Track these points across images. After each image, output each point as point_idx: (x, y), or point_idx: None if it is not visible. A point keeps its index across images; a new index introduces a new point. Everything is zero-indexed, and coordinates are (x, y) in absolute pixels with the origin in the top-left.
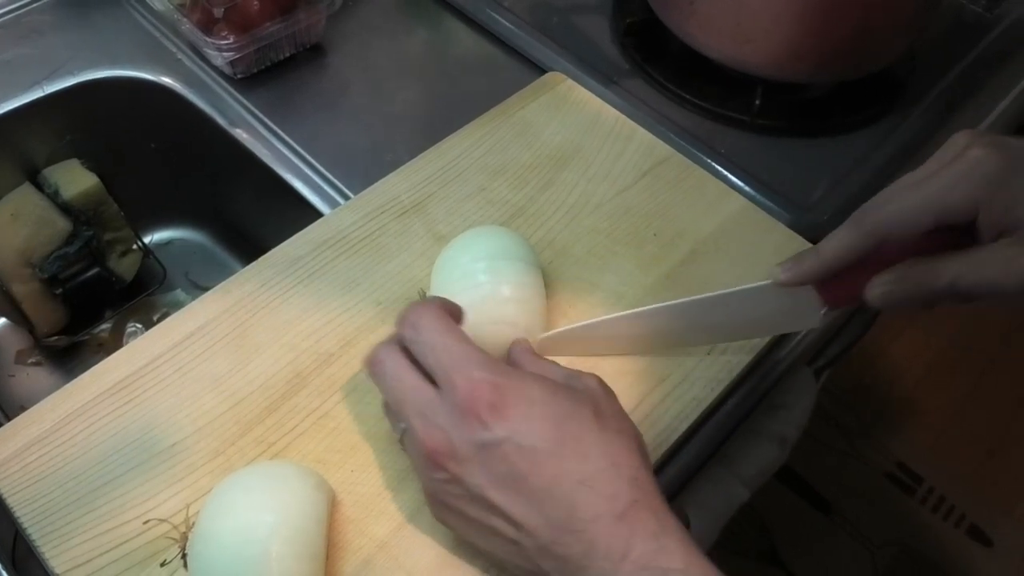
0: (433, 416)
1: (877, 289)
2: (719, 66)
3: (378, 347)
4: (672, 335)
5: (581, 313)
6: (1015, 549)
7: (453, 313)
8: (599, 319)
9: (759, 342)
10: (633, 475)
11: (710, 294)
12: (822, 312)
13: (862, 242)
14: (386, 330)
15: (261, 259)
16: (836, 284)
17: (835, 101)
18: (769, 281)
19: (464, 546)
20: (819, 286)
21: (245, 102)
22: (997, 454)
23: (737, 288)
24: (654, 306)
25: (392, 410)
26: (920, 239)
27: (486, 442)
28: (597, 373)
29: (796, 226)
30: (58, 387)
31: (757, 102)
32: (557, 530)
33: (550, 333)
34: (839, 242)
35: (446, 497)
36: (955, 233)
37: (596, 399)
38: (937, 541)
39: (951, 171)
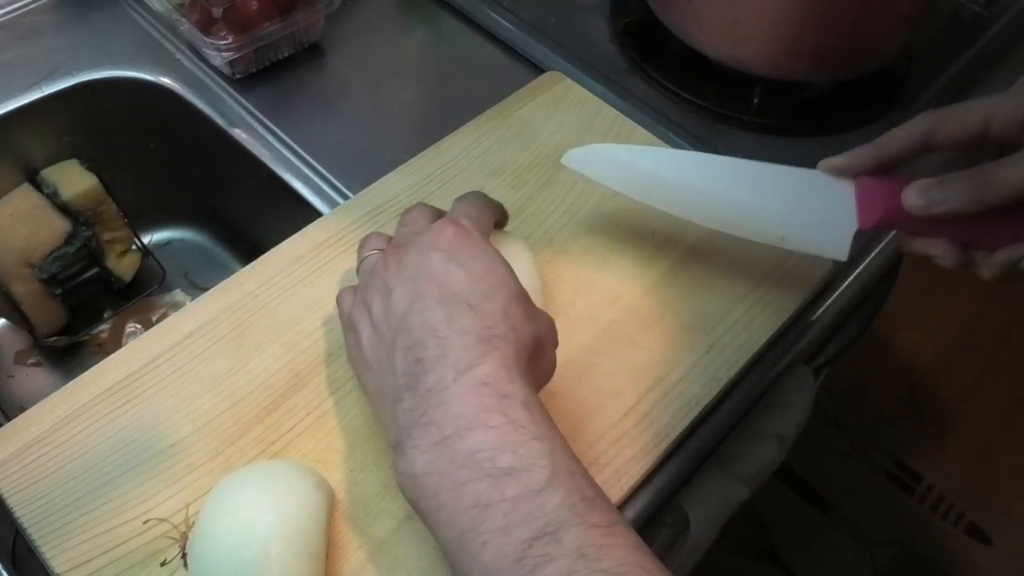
0: (404, 235)
1: (916, 188)
2: (718, 65)
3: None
4: (703, 196)
5: (580, 312)
6: (1014, 547)
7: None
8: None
9: (757, 339)
10: (515, 327)
11: (755, 162)
12: (855, 230)
13: (911, 129)
14: None
15: (260, 259)
16: (877, 196)
17: (833, 100)
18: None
19: None
20: (860, 196)
21: (244, 102)
22: (996, 453)
23: (783, 166)
24: (694, 153)
25: (364, 245)
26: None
27: (426, 248)
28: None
29: None
30: (57, 387)
31: (755, 101)
32: (426, 331)
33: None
34: (893, 131)
35: (368, 296)
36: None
37: (520, 294)
38: (936, 540)
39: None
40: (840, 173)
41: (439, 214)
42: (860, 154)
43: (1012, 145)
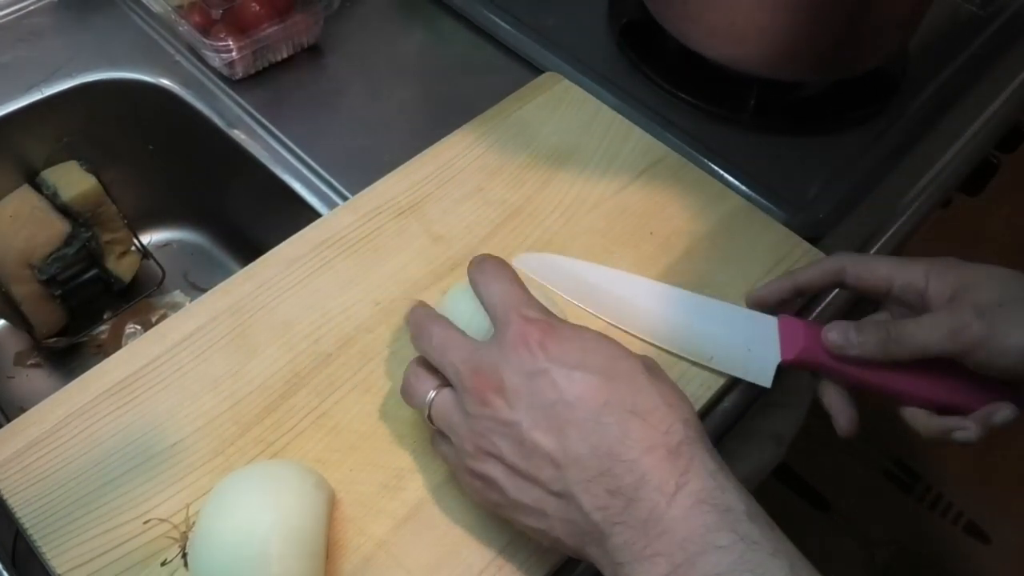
0: (480, 355)
1: (835, 327)
2: (715, 65)
3: (420, 314)
4: (642, 313)
5: (579, 312)
6: (1013, 545)
7: None
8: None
9: None
10: (686, 417)
11: (692, 293)
12: (778, 361)
13: (826, 265)
14: (384, 330)
15: (259, 260)
16: (798, 332)
17: (831, 99)
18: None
19: (463, 543)
20: (783, 331)
21: (243, 103)
22: (993, 451)
23: (712, 297)
24: (635, 276)
25: (415, 385)
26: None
27: (534, 370)
28: None
29: (792, 224)
30: (57, 389)
31: (753, 101)
32: (605, 458)
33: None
34: (809, 267)
35: (493, 440)
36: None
37: (646, 360)
38: (935, 538)
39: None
40: (764, 302)
41: (446, 319)
42: (779, 285)
43: (911, 306)
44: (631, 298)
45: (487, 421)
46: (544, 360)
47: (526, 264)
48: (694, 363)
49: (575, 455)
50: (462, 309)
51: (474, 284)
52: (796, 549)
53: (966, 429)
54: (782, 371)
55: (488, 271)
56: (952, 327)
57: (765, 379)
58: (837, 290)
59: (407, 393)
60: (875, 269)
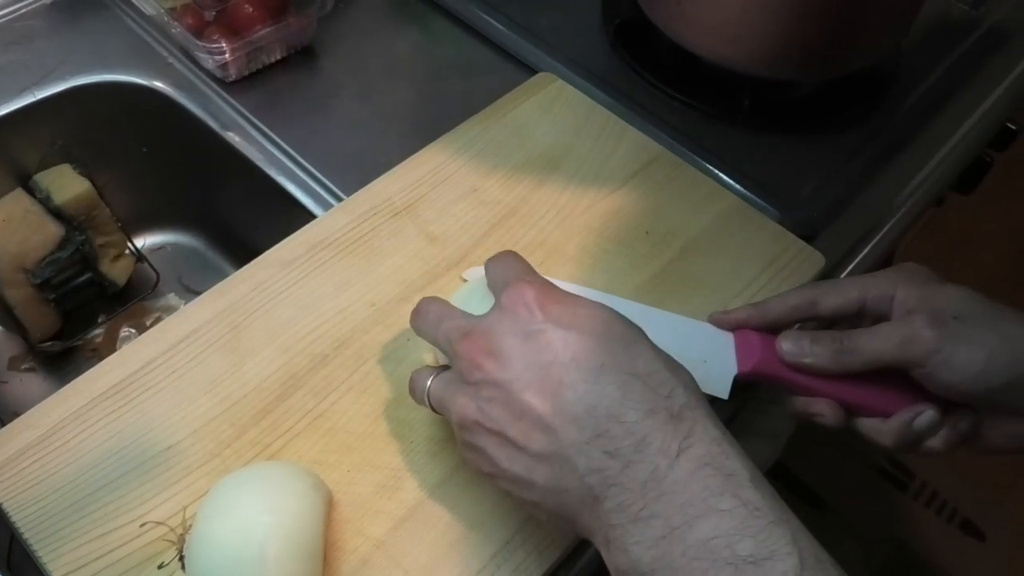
0: (473, 322)
1: (789, 336)
2: (709, 65)
3: (424, 298)
4: None
5: None
6: (1007, 542)
7: None
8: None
9: None
10: (687, 383)
11: (651, 307)
12: (735, 374)
13: (796, 298)
14: (380, 331)
15: (254, 262)
16: (754, 345)
17: (824, 98)
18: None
19: (461, 543)
20: (739, 344)
21: (237, 105)
22: None
23: (673, 313)
24: (589, 289)
25: (415, 380)
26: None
27: (529, 330)
28: None
29: (786, 223)
30: (52, 393)
31: (746, 100)
32: (604, 420)
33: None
34: (777, 297)
35: (483, 407)
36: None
37: (645, 333)
38: (931, 536)
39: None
40: (720, 324)
41: (447, 302)
42: (744, 312)
43: (885, 318)
44: None
45: (479, 387)
46: (541, 320)
47: (472, 276)
48: None
49: (571, 416)
50: (472, 307)
51: (486, 269)
52: (799, 522)
53: (884, 433)
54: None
55: (499, 256)
56: (904, 336)
57: (722, 391)
58: None
59: (412, 392)
60: (845, 291)
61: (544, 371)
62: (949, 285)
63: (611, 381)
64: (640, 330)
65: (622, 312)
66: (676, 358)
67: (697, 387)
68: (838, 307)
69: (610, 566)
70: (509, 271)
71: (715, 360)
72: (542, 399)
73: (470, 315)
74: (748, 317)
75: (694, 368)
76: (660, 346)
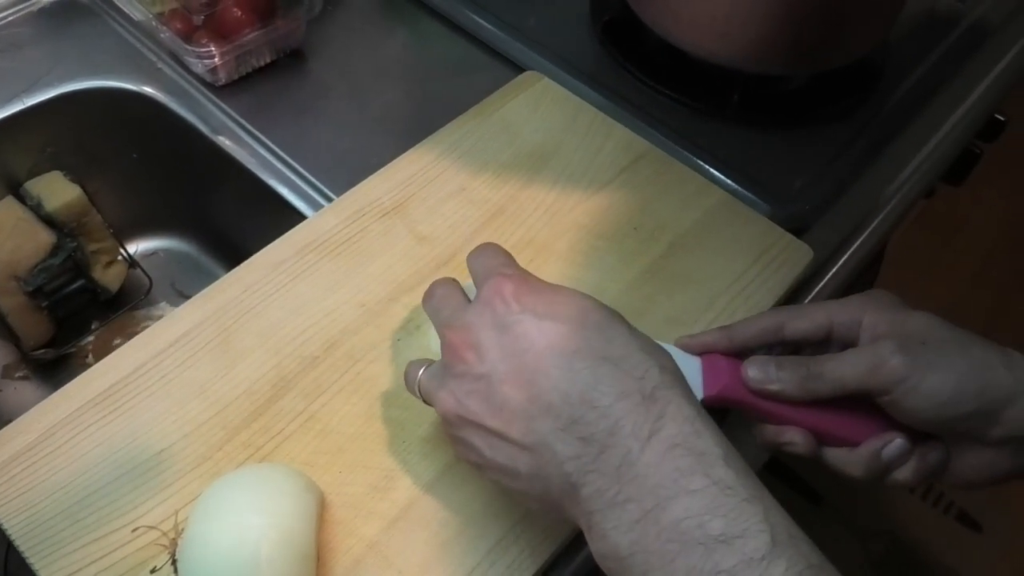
0: (460, 314)
1: (754, 362)
2: (697, 60)
3: (437, 280)
4: None
5: None
6: (1004, 534)
7: None
8: None
9: None
10: (663, 363)
11: None
12: (700, 398)
13: (764, 322)
14: (370, 331)
15: (244, 264)
16: (721, 369)
17: (813, 92)
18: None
19: (454, 542)
20: (705, 369)
21: (227, 109)
22: None
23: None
24: None
25: (409, 372)
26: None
27: (505, 322)
28: None
29: (776, 217)
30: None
31: (735, 95)
32: (578, 405)
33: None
34: (744, 321)
35: (463, 400)
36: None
37: (623, 317)
38: (927, 529)
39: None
40: (689, 349)
41: (455, 284)
42: (711, 336)
43: (853, 344)
44: None
45: (460, 380)
46: (517, 311)
47: None
48: None
49: (547, 403)
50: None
51: (468, 264)
52: (773, 499)
53: (851, 463)
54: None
55: (480, 249)
56: (871, 362)
57: None
58: None
59: (406, 383)
60: (812, 315)
61: (520, 361)
62: (918, 312)
63: (584, 367)
64: (618, 315)
65: None
66: None
67: (674, 367)
68: (805, 332)
69: (594, 552)
70: (488, 264)
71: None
72: (519, 389)
73: (463, 302)
74: (715, 341)
75: None
76: None
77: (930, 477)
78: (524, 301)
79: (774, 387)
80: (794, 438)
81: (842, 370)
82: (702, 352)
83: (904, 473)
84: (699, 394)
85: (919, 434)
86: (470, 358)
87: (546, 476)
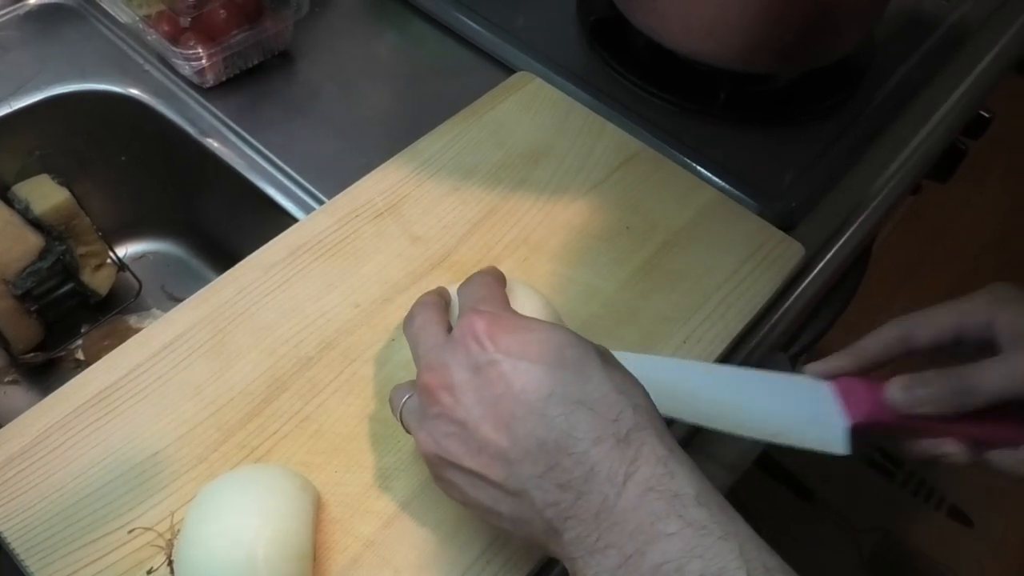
0: (436, 352)
1: (897, 384)
2: (684, 60)
3: (419, 300)
4: (693, 398)
5: (559, 308)
6: (995, 528)
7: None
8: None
9: (733, 328)
10: (637, 403)
11: (734, 367)
12: (846, 426)
13: (889, 334)
14: (365, 331)
15: (237, 266)
16: (859, 392)
17: (800, 90)
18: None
19: (450, 540)
20: (842, 393)
21: (215, 111)
22: None
23: (760, 371)
24: (684, 361)
25: (394, 397)
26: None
27: (479, 363)
28: None
29: (766, 214)
30: (36, 404)
31: (723, 94)
32: (554, 452)
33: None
34: (869, 336)
35: (441, 442)
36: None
37: (602, 349)
38: (920, 524)
39: (971, 294)
40: (820, 375)
41: (436, 309)
42: (839, 360)
43: (984, 343)
44: (674, 383)
45: (437, 421)
46: (492, 351)
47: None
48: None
49: (524, 450)
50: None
51: (458, 294)
52: (749, 530)
53: (1022, 462)
54: (766, 359)
55: (469, 279)
56: (1022, 370)
57: (839, 446)
58: None
59: (391, 407)
60: (939, 320)
61: (495, 405)
62: None
63: (558, 413)
64: (595, 351)
65: (718, 377)
66: (781, 418)
67: (650, 404)
68: (933, 339)
69: None
70: (468, 298)
71: (822, 414)
72: (498, 433)
73: (442, 335)
74: (844, 364)
75: (806, 428)
76: (761, 409)
77: None
78: (498, 340)
79: (923, 409)
80: (952, 450)
81: (994, 382)
82: (832, 376)
83: None
84: (843, 421)
85: None
86: (446, 400)
87: (528, 520)
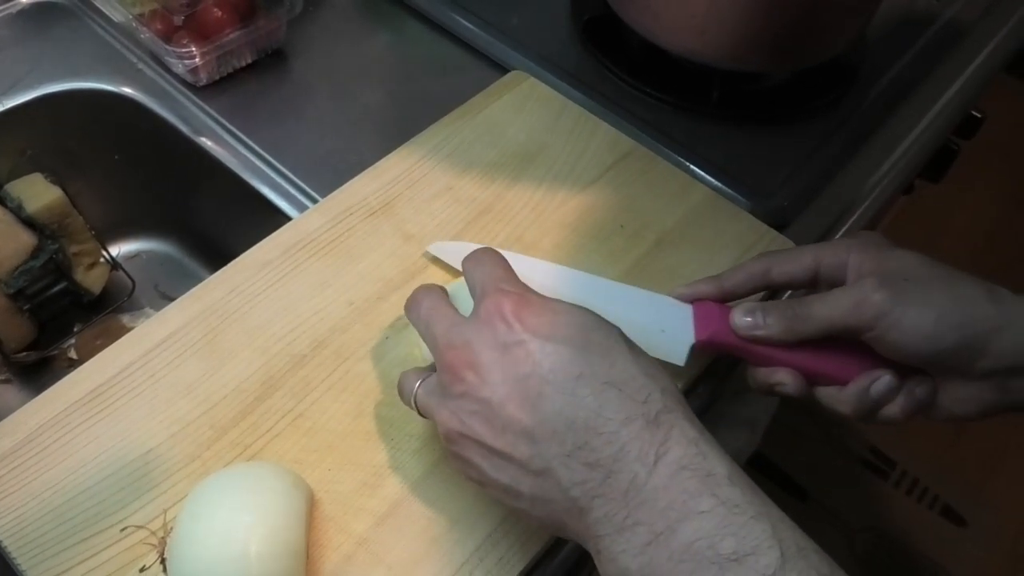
0: (457, 330)
1: (741, 309)
2: (677, 59)
3: (419, 288)
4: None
5: None
6: (988, 527)
7: None
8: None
9: None
10: (664, 386)
11: (608, 280)
12: (691, 343)
13: (752, 267)
14: (359, 330)
15: (230, 264)
16: (712, 315)
17: (792, 89)
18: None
19: (443, 537)
20: (697, 315)
21: (209, 110)
22: (966, 435)
23: (633, 287)
24: (549, 263)
25: (403, 383)
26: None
27: (507, 342)
28: None
29: (759, 213)
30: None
31: (716, 93)
32: (583, 432)
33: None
34: (735, 267)
35: (465, 420)
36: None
37: (624, 334)
38: (913, 523)
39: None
40: (682, 297)
41: (441, 293)
42: (703, 285)
43: (839, 284)
44: (540, 285)
45: (461, 400)
46: (520, 331)
47: (440, 251)
48: None
49: (551, 429)
50: (462, 298)
51: (464, 271)
52: (780, 511)
53: (841, 400)
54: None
55: (476, 256)
56: (854, 300)
57: (678, 359)
58: None
59: (400, 393)
60: (799, 258)
61: (523, 384)
62: (902, 250)
63: (588, 392)
64: (618, 333)
65: (587, 286)
66: (635, 327)
67: (675, 389)
68: (792, 274)
69: (602, 574)
70: (487, 277)
71: (673, 330)
72: (523, 412)
73: (456, 315)
74: (706, 289)
75: (652, 337)
76: (619, 317)
77: (918, 412)
78: (526, 321)
79: (762, 333)
80: (784, 379)
81: (826, 309)
82: (694, 300)
83: (893, 409)
84: (691, 339)
85: (907, 371)
86: (471, 378)
87: (550, 499)
